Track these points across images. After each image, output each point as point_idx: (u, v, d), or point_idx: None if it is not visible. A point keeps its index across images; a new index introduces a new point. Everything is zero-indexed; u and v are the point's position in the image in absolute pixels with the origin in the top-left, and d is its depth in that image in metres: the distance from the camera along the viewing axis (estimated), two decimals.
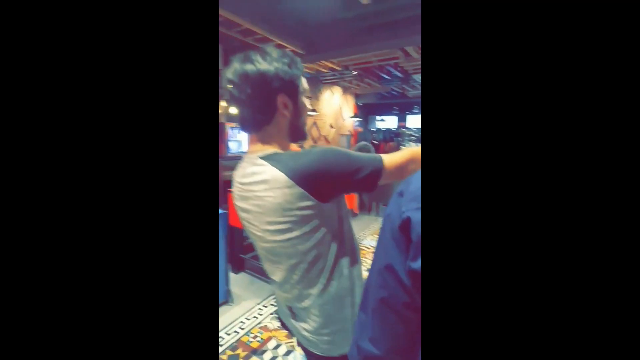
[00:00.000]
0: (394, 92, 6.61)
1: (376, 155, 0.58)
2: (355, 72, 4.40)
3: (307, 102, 0.65)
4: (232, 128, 3.66)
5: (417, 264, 0.35)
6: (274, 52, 0.58)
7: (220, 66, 3.79)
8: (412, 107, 8.11)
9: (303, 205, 0.54)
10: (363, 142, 2.71)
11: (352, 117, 7.02)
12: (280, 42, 3.19)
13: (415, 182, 0.39)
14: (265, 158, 0.57)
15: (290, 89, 0.59)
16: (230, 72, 0.58)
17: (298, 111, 0.63)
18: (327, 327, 0.62)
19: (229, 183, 2.91)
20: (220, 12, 2.50)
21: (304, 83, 0.63)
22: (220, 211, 2.04)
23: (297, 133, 0.65)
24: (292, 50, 3.38)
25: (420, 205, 0.36)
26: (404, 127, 8.16)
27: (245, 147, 4.13)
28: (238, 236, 2.67)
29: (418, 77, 4.80)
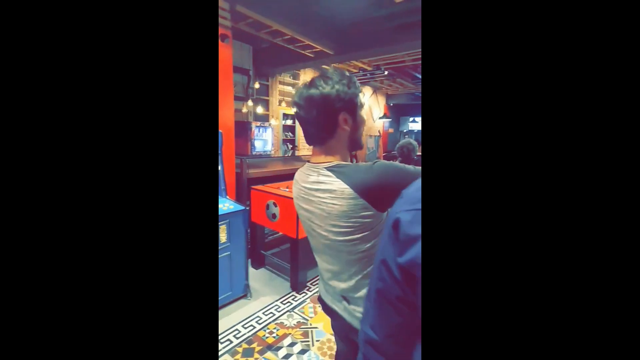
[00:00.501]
0: None
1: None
2: (386, 72, 4.31)
3: (364, 116, 0.75)
4: (258, 127, 3.71)
5: (403, 259, 0.39)
6: (335, 76, 0.67)
7: (249, 67, 3.88)
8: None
9: (365, 214, 0.63)
10: (407, 139, 2.60)
11: (381, 117, 6.88)
12: (309, 42, 3.20)
13: (414, 185, 0.42)
14: (331, 170, 0.67)
15: (350, 106, 0.68)
16: (297, 96, 0.69)
17: (356, 125, 0.72)
18: None
19: (253, 180, 2.97)
20: (249, 13, 2.56)
21: (361, 99, 0.71)
22: (242, 207, 2.09)
23: (355, 144, 0.74)
24: (321, 50, 3.36)
25: (410, 207, 0.39)
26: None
27: (270, 147, 4.18)
28: (259, 233, 2.72)
29: None
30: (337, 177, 0.65)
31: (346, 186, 0.63)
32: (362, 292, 0.70)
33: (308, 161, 0.75)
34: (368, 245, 0.66)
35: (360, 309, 0.72)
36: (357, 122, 0.71)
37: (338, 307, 0.78)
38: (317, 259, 0.81)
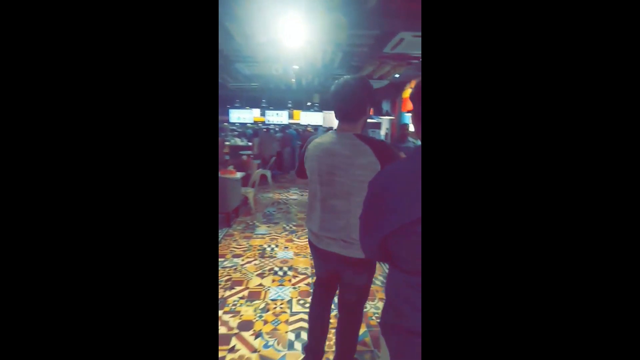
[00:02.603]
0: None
1: None
2: None
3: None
4: None
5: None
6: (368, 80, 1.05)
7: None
8: (234, 101, 8.92)
9: (376, 168, 0.94)
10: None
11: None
12: None
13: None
14: (358, 137, 0.99)
15: (372, 103, 1.05)
16: (340, 86, 1.01)
17: (368, 115, 1.08)
18: None
19: None
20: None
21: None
22: None
23: (365, 125, 1.10)
24: None
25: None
26: (227, 122, 8.74)
27: None
28: None
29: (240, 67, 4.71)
30: (362, 141, 0.98)
31: (368, 147, 0.97)
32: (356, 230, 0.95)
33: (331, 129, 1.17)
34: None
35: (351, 240, 1.02)
36: (368, 113, 1.07)
37: (335, 246, 1.06)
38: (327, 204, 1.06)
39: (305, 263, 2.43)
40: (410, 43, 3.28)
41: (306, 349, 1.31)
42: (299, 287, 2.07)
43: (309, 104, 9.28)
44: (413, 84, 5.95)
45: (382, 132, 7.62)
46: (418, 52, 3.70)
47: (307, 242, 1.44)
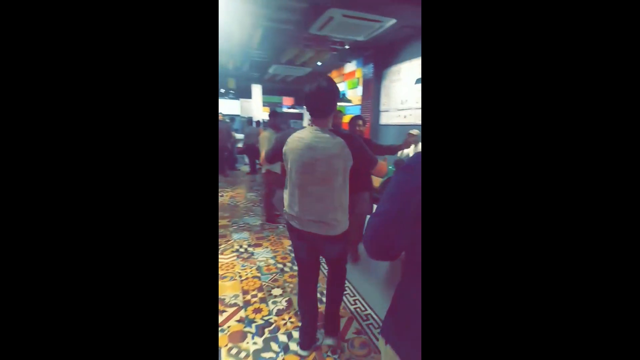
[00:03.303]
0: None
1: None
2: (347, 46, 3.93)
3: None
4: None
5: None
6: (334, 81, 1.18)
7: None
8: None
9: (349, 157, 1.16)
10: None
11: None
12: None
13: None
14: (332, 131, 1.18)
15: (338, 98, 1.21)
16: (314, 86, 1.14)
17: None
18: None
19: None
20: None
21: None
22: None
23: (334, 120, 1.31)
24: None
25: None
26: None
27: None
28: None
29: None
30: (337, 135, 1.16)
31: (341, 139, 1.15)
32: (336, 213, 1.21)
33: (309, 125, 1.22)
34: (341, 179, 1.18)
35: (328, 221, 1.21)
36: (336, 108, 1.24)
37: (314, 227, 1.23)
38: (306, 190, 1.20)
39: (234, 288, 1.92)
40: (340, 24, 2.98)
41: (300, 330, 1.45)
42: (228, 328, 1.57)
43: (222, 90, 8.23)
44: (334, 74, 5.78)
45: (305, 122, 7.35)
46: (345, 37, 3.45)
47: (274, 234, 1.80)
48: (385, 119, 4.19)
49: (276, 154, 1.24)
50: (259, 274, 2.11)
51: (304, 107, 1.14)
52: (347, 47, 3.89)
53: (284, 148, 1.20)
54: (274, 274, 2.13)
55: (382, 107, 4.28)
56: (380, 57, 4.17)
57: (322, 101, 1.11)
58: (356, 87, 4.87)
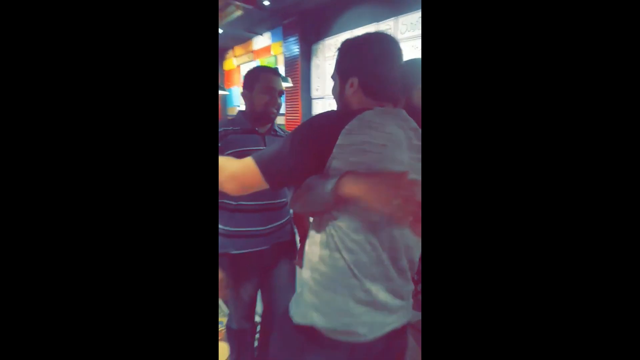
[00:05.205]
0: None
1: None
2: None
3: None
4: None
5: None
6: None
7: None
8: None
9: None
10: None
11: None
12: None
13: None
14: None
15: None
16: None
17: None
18: None
19: None
20: None
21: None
22: None
23: None
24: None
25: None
26: None
27: None
28: None
29: None
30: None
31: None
32: None
33: None
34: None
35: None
36: None
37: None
38: None
39: None
40: None
41: None
42: None
43: None
44: (239, 51, 4.47)
45: None
46: None
47: None
48: (320, 108, 3.26)
49: None
50: None
51: None
52: (265, 2, 2.71)
53: None
54: None
55: (314, 94, 3.32)
56: (307, 27, 3.16)
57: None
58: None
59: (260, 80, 1.06)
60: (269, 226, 1.07)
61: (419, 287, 0.89)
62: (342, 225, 0.62)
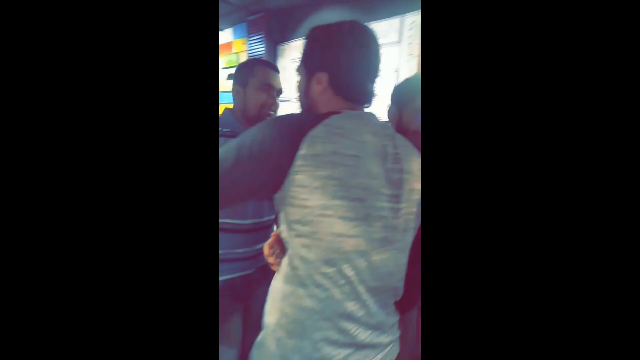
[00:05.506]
0: None
1: None
2: None
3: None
4: None
5: None
6: None
7: None
8: None
9: None
10: None
11: None
12: None
13: None
14: None
15: None
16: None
17: None
18: None
19: None
20: None
21: None
22: None
23: None
24: None
25: None
26: None
27: None
28: None
29: None
30: None
31: None
32: None
33: None
34: None
35: None
36: None
37: None
38: None
39: None
40: None
41: None
42: None
43: None
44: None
45: None
46: None
47: None
48: (285, 112, 3.12)
49: None
50: None
51: None
52: None
53: None
54: None
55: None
56: (274, 26, 3.01)
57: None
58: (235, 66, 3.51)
59: (255, 76, 0.89)
60: (255, 247, 0.93)
61: (413, 313, 0.82)
62: (310, 256, 0.50)
